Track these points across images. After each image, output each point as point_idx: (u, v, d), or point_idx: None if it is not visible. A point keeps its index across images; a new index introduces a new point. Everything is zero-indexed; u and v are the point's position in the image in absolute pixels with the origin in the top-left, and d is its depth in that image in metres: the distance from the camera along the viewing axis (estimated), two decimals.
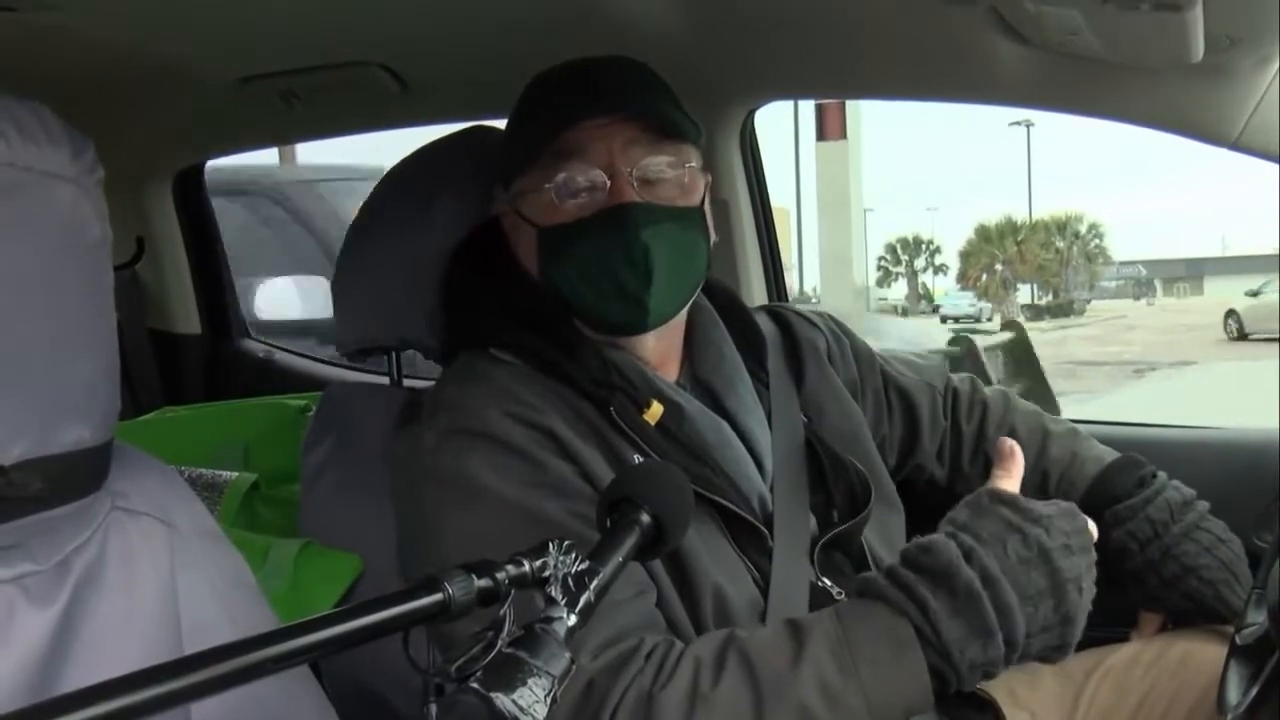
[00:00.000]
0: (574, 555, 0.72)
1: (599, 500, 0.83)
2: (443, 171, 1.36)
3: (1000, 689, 1.23)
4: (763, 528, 1.13)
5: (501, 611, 0.66)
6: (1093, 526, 1.00)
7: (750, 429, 1.19)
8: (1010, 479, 1.05)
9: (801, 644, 0.95)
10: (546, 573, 0.70)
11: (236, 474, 1.47)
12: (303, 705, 0.87)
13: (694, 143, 1.17)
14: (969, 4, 1.22)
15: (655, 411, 1.12)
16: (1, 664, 0.69)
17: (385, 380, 1.50)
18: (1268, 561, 1.07)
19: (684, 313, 1.20)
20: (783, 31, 1.46)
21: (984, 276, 47.43)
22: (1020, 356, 7.99)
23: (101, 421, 0.74)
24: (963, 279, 49.13)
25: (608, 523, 0.81)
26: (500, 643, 0.65)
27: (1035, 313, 39.57)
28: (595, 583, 0.72)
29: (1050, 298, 45.21)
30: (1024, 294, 46.04)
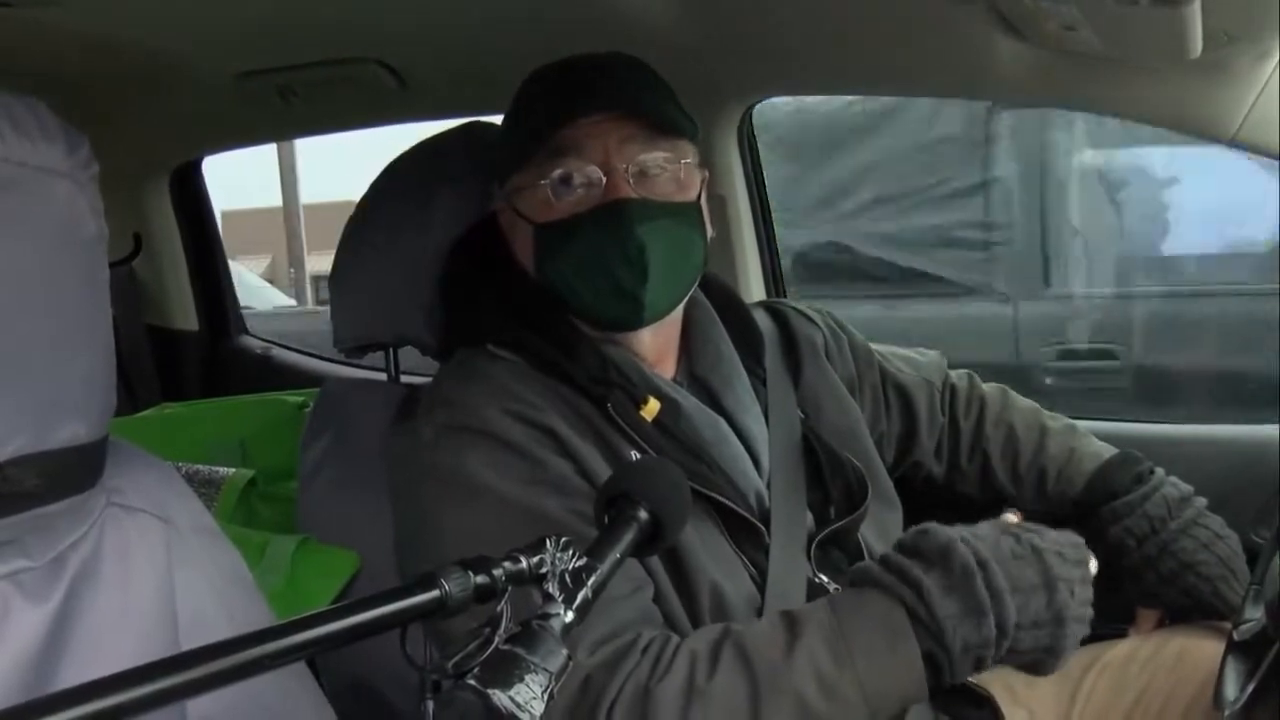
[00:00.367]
0: (571, 552, 0.72)
1: (596, 496, 0.83)
2: (441, 168, 1.35)
3: (997, 685, 1.23)
4: (760, 525, 1.13)
5: (499, 608, 0.66)
6: (1094, 564, 1.01)
7: (747, 426, 1.19)
8: None
9: (796, 635, 0.95)
10: (544, 569, 0.70)
11: (234, 470, 1.46)
12: (299, 702, 0.87)
13: (690, 139, 1.17)
14: (968, 1, 1.22)
15: (652, 408, 1.12)
16: None
17: (383, 377, 1.50)
18: (1265, 557, 1.07)
19: (680, 309, 1.20)
20: (781, 28, 1.46)
21: None
22: None
23: (98, 418, 0.74)
24: None
25: (605, 519, 0.81)
26: (497, 639, 0.65)
27: None
28: (593, 579, 0.72)
29: None
30: None
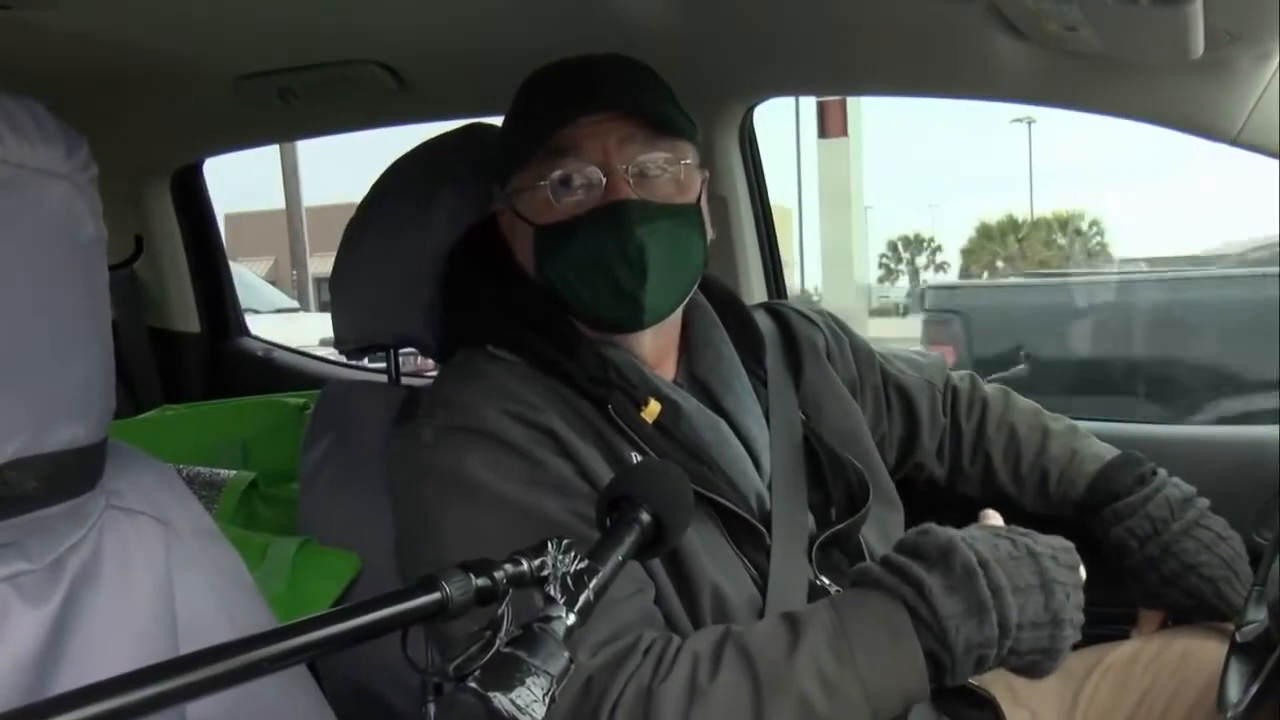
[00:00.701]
0: (573, 554, 0.72)
1: (599, 499, 0.83)
2: (441, 169, 1.35)
3: (999, 686, 1.23)
4: (761, 526, 1.13)
5: (500, 611, 0.66)
6: (1082, 570, 1.01)
7: (747, 427, 1.19)
8: None
9: (798, 635, 0.95)
10: (545, 572, 0.70)
11: (235, 472, 1.46)
12: (300, 705, 0.87)
13: (690, 139, 1.17)
14: (968, 1, 1.21)
15: (653, 410, 1.12)
16: None
17: (384, 378, 1.50)
18: (1268, 559, 1.07)
19: (680, 311, 1.20)
20: (781, 27, 1.46)
21: (985, 274, 47.41)
22: None
23: (97, 420, 0.74)
24: (964, 276, 49.11)
25: (607, 521, 0.80)
26: (498, 642, 0.65)
27: None
28: (594, 582, 0.72)
29: None
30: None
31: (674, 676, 0.94)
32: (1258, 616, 1.01)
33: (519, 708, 0.62)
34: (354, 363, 2.16)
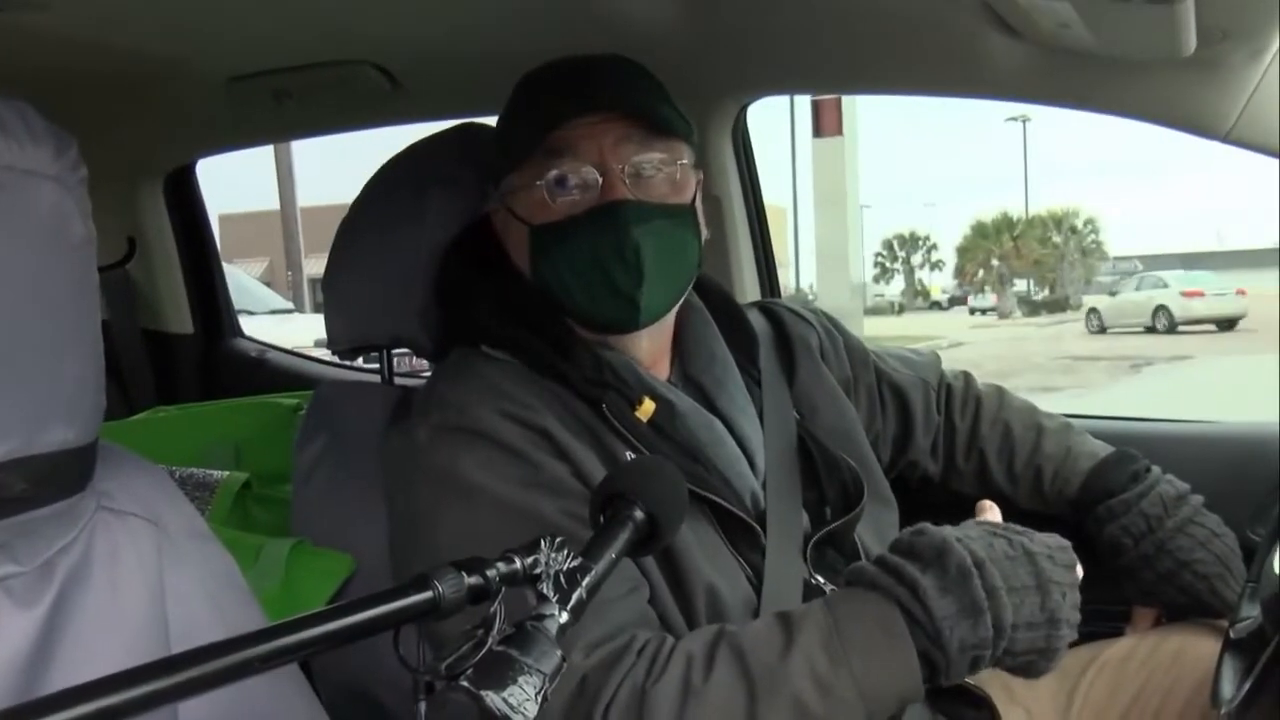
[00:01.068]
0: (566, 552, 0.72)
1: (592, 496, 0.83)
2: (434, 169, 1.35)
3: (995, 685, 1.23)
4: (756, 525, 1.13)
5: (492, 609, 0.66)
6: (1079, 569, 1.01)
7: (741, 427, 1.19)
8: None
9: (792, 635, 0.95)
10: (538, 570, 0.70)
11: (228, 473, 1.46)
12: (292, 705, 0.87)
13: (686, 139, 1.17)
14: None
15: (647, 409, 1.12)
16: None
17: (377, 379, 1.50)
18: (1261, 555, 1.07)
19: (674, 311, 1.20)
20: (775, 26, 1.46)
21: (980, 272, 47.48)
22: None
23: (87, 422, 0.74)
24: (959, 275, 49.18)
25: (601, 519, 0.80)
26: (491, 640, 0.65)
27: (1032, 308, 39.70)
28: (587, 580, 0.72)
29: (1046, 293, 45.29)
30: (1019, 289, 46.10)
31: (668, 677, 0.94)
32: (1251, 613, 1.01)
33: (511, 706, 0.62)
34: (348, 363, 2.16)
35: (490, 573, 0.66)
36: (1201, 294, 24.75)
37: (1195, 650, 1.21)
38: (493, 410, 1.07)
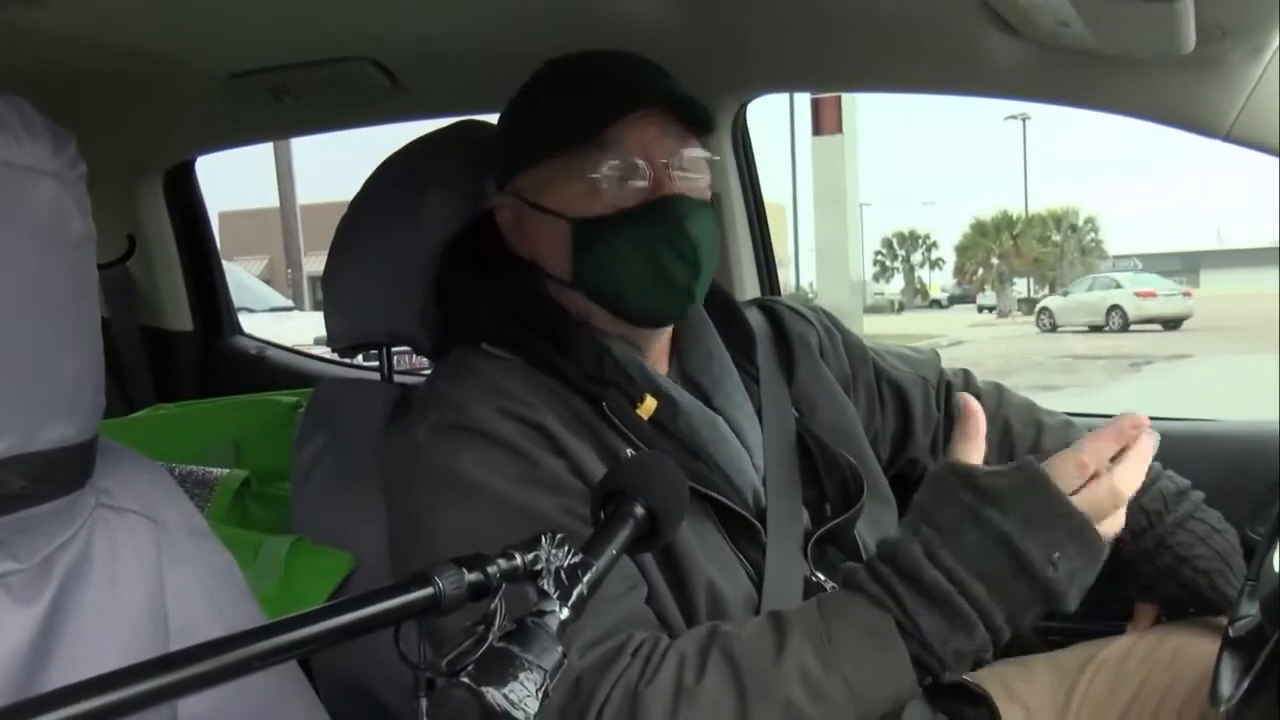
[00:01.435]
0: (566, 548, 0.71)
1: (593, 493, 0.83)
2: (433, 167, 1.35)
3: (993, 682, 1.23)
4: (757, 523, 1.13)
5: (493, 605, 0.66)
6: (1066, 502, 0.95)
7: (740, 425, 1.19)
8: (970, 440, 1.02)
9: (784, 638, 0.95)
10: (538, 566, 0.70)
11: (227, 471, 1.46)
12: (292, 703, 0.87)
13: (711, 135, 1.19)
14: None
15: (649, 406, 1.12)
16: None
17: (376, 376, 1.50)
18: (1261, 553, 1.07)
19: None
20: (774, 23, 1.46)
21: (980, 271, 47.50)
22: None
23: (85, 419, 0.74)
24: (959, 274, 49.21)
25: (601, 515, 0.80)
26: (491, 637, 0.65)
27: (1031, 306, 39.80)
28: (588, 576, 0.72)
29: (1046, 291, 45.33)
30: (1019, 288, 46.16)
31: (660, 678, 0.94)
32: (1250, 611, 1.01)
33: (512, 703, 0.62)
34: (347, 361, 2.16)
35: (491, 569, 0.66)
36: (1154, 294, 26.19)
37: (1194, 648, 1.21)
38: (491, 408, 1.07)
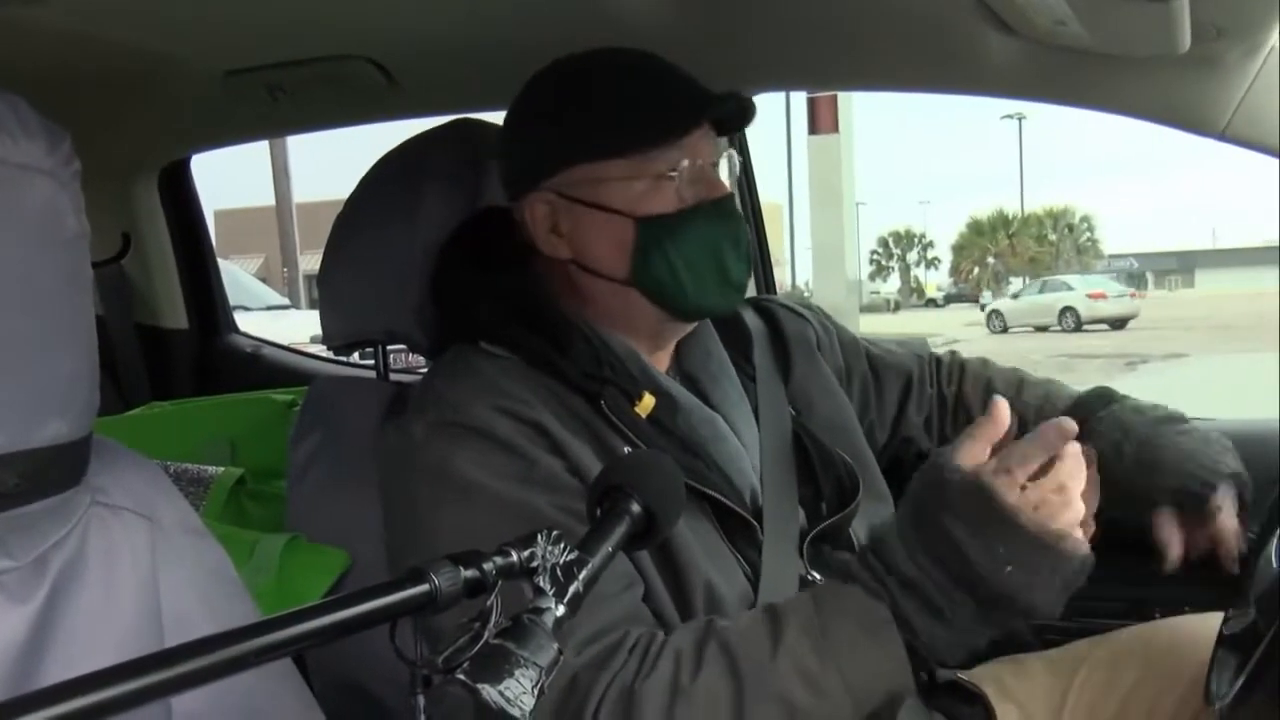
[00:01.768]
0: (563, 546, 0.71)
1: (590, 490, 0.83)
2: (430, 164, 1.35)
3: (989, 680, 1.24)
4: (754, 522, 1.13)
5: (489, 602, 0.66)
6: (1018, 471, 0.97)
7: (737, 424, 1.19)
8: (974, 442, 1.02)
9: (779, 631, 0.96)
10: (535, 563, 0.70)
11: (222, 469, 1.46)
12: (287, 699, 0.87)
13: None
14: None
15: (647, 404, 1.12)
16: None
17: (372, 375, 1.50)
18: (1255, 552, 1.07)
19: None
20: (770, 22, 1.46)
21: (976, 270, 47.58)
22: None
23: (80, 417, 0.74)
24: (955, 273, 49.29)
25: (598, 513, 0.81)
26: (487, 634, 0.65)
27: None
28: (584, 573, 0.72)
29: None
30: (1015, 286, 46.29)
31: (656, 675, 0.95)
32: (1245, 609, 1.02)
33: (508, 699, 0.62)
34: (343, 359, 2.15)
35: (487, 566, 0.66)
36: (1105, 296, 27.48)
37: (1189, 646, 1.21)
38: (489, 406, 1.07)
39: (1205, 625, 1.22)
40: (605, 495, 0.81)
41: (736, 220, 1.17)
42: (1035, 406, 1.37)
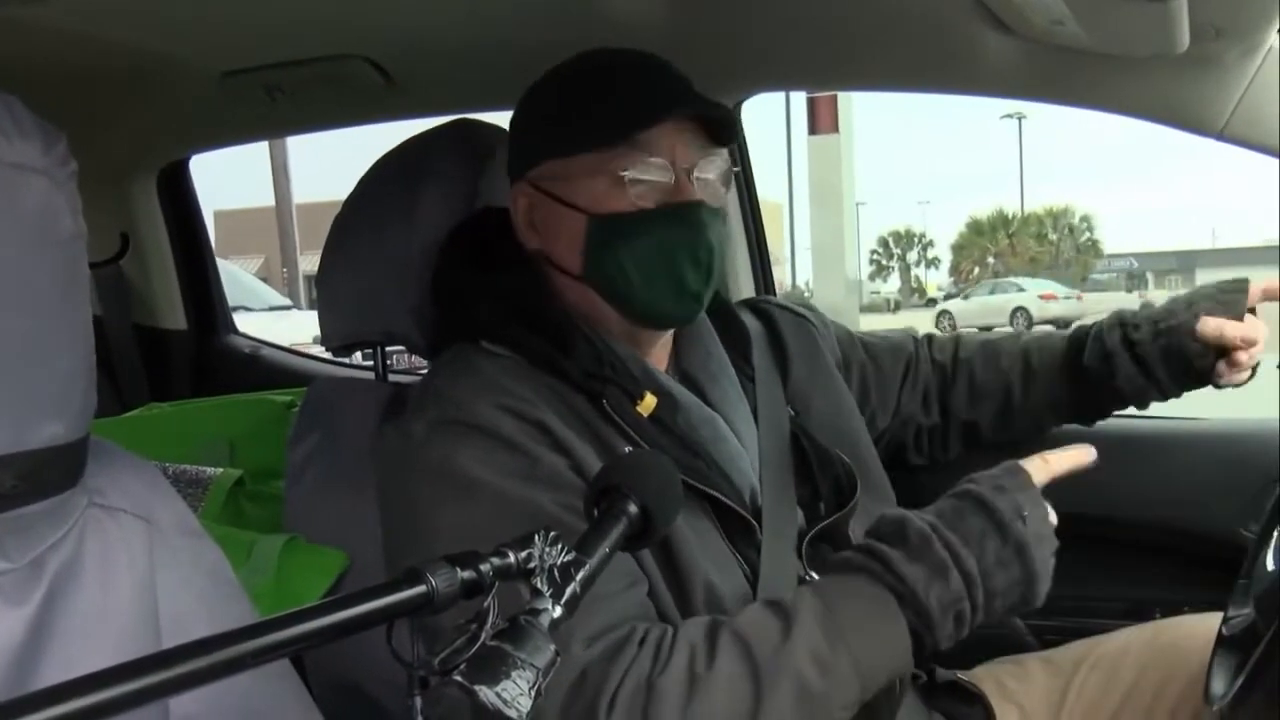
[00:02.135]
0: (560, 546, 0.71)
1: (587, 490, 0.83)
2: (428, 164, 1.35)
3: (988, 680, 1.24)
4: (754, 521, 1.13)
5: (486, 603, 0.66)
6: (1039, 473, 1.03)
7: (736, 424, 1.19)
8: (1047, 464, 1.06)
9: (789, 619, 0.97)
10: (532, 564, 0.70)
11: (221, 470, 1.46)
12: (284, 701, 0.87)
13: (731, 145, 1.19)
14: None
15: (649, 404, 1.12)
16: None
17: (370, 375, 1.50)
18: (1253, 552, 1.07)
19: None
20: (769, 22, 1.46)
21: (976, 269, 47.59)
22: None
23: (77, 418, 0.74)
24: (955, 272, 49.30)
25: (595, 513, 0.80)
26: (484, 635, 0.65)
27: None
28: (581, 574, 0.72)
29: None
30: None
31: (672, 667, 0.95)
32: (1243, 610, 1.02)
33: (505, 701, 0.62)
34: (343, 360, 2.15)
35: (484, 567, 0.66)
36: (1055, 297, 28.91)
37: (1188, 646, 1.21)
38: (491, 405, 1.07)
39: (1204, 625, 1.22)
40: (603, 495, 0.81)
41: (699, 228, 1.12)
42: (1035, 343, 1.45)
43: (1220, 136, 1.36)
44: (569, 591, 0.70)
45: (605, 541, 0.76)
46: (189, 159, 2.23)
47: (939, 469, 1.46)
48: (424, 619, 0.64)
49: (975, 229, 49.00)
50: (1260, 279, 1.34)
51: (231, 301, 2.45)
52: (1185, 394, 1.38)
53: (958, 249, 49.67)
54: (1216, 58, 1.28)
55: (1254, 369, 1.32)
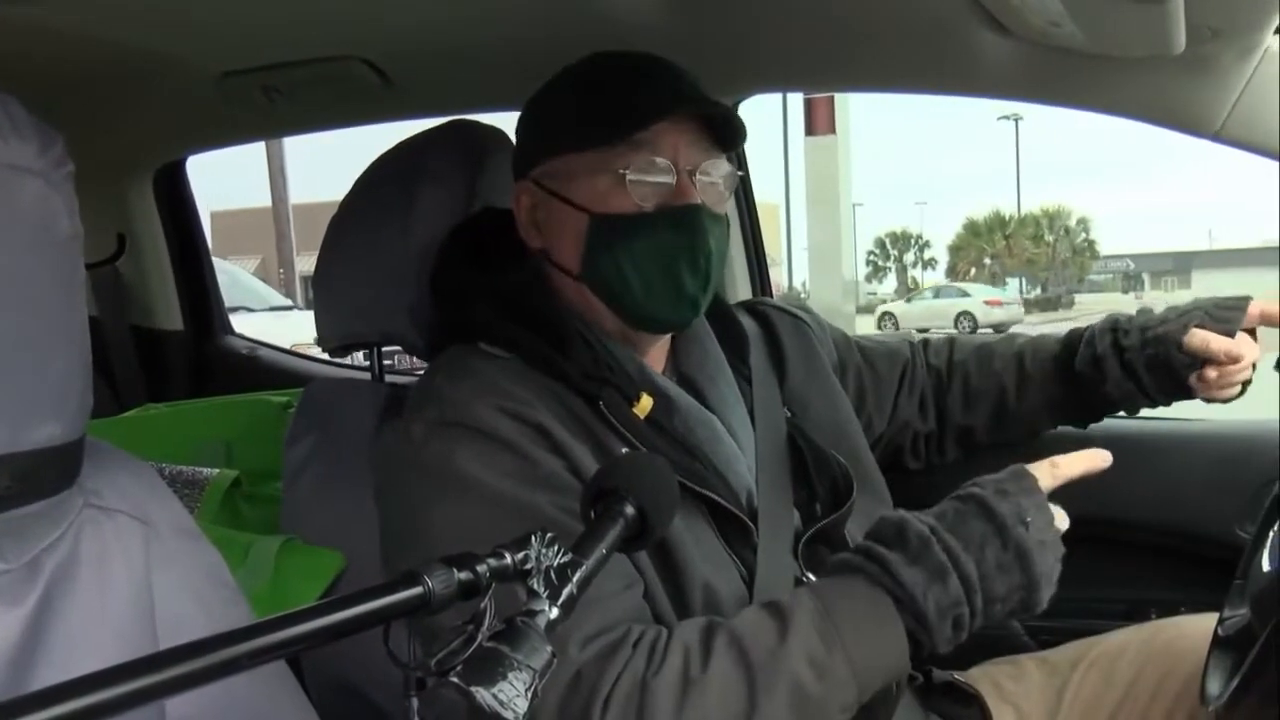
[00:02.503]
0: (557, 547, 0.71)
1: (584, 492, 0.83)
2: (424, 165, 1.35)
3: (985, 681, 1.24)
4: (750, 523, 1.13)
5: (482, 605, 0.66)
6: (1041, 481, 1.02)
7: (732, 425, 1.19)
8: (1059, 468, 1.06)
9: (785, 621, 0.97)
10: (529, 565, 0.70)
11: (218, 471, 1.46)
12: (280, 702, 0.87)
13: (736, 149, 1.19)
14: None
15: (645, 405, 1.12)
16: None
17: (368, 377, 1.50)
18: (1249, 553, 1.07)
19: None
20: (766, 23, 1.46)
21: (973, 270, 47.63)
22: None
23: (73, 418, 0.73)
24: (952, 273, 49.33)
25: (592, 514, 0.80)
26: (481, 636, 0.65)
27: (1024, 306, 39.93)
28: (578, 575, 0.72)
29: (1039, 291, 45.47)
30: (1012, 288, 46.31)
31: (667, 668, 0.94)
32: (1239, 610, 1.02)
33: (501, 702, 0.62)
34: (341, 361, 2.15)
35: (481, 568, 0.66)
36: (1000, 303, 30.17)
37: (1184, 647, 1.21)
38: (490, 406, 1.07)
39: (1201, 626, 1.22)
40: (599, 497, 0.81)
41: (699, 232, 1.11)
42: (1029, 346, 1.46)
43: (1216, 138, 1.36)
44: (565, 593, 0.70)
45: (602, 543, 0.76)
46: (186, 159, 2.23)
47: (936, 471, 1.46)
48: (421, 620, 0.64)
49: (972, 230, 49.04)
50: (1261, 298, 1.33)
51: (232, 302, 2.45)
52: (1175, 404, 1.38)
53: (954, 250, 49.71)
54: (1213, 59, 1.28)
55: (1244, 386, 1.31)
